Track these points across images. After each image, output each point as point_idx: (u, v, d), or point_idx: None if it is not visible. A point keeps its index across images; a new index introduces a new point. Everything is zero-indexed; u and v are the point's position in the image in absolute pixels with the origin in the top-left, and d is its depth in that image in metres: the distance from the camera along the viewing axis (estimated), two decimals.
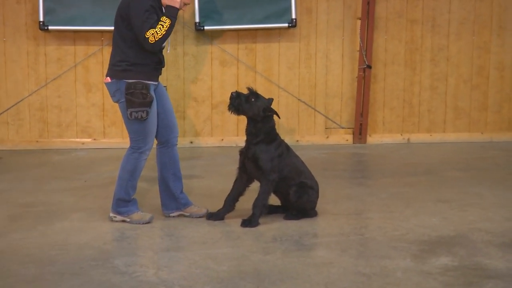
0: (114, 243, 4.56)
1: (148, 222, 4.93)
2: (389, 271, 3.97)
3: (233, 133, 8.40)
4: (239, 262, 4.14)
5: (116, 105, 7.91)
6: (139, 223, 4.91)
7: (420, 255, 4.25)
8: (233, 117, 8.36)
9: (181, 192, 5.09)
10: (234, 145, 8.24)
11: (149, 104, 4.72)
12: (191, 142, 8.38)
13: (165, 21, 4.67)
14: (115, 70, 4.78)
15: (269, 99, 4.98)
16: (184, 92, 8.32)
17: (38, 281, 3.83)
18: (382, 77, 8.57)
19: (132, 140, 4.85)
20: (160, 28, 4.65)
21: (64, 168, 7.12)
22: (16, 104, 8.15)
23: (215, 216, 5.01)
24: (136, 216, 4.93)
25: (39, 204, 5.55)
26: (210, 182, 6.38)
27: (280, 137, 5.03)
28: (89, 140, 8.26)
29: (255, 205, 4.89)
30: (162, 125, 4.94)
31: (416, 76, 8.61)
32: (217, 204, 5.43)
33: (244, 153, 4.97)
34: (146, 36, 4.63)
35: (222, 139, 8.40)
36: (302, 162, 5.13)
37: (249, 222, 4.86)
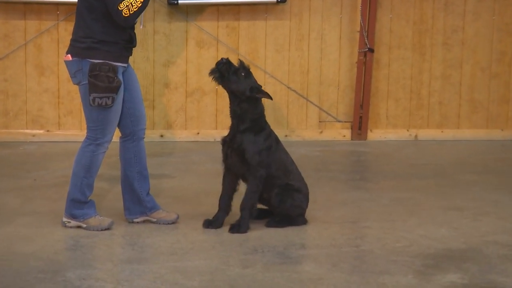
0: (66, 253, 4.55)
1: (107, 229, 4.93)
2: None
3: (211, 125, 8.39)
4: (213, 277, 4.13)
5: (74, 91, 7.97)
6: (97, 230, 4.90)
7: (424, 271, 4.26)
8: (211, 107, 8.38)
9: (148, 194, 5.09)
10: (212, 140, 8.23)
11: (116, 90, 4.72)
12: (162, 136, 8.37)
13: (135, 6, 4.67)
14: (78, 47, 4.76)
15: (258, 84, 5.02)
16: (154, 77, 8.31)
17: None
18: (386, 63, 8.59)
19: (89, 129, 4.84)
20: (134, 2, 4.63)
21: (10, 164, 7.09)
22: None
23: (214, 224, 5.00)
24: (94, 221, 4.93)
25: None
26: (183, 183, 6.38)
27: (269, 126, 5.05)
28: (41, 131, 8.23)
29: (243, 207, 4.91)
30: (127, 114, 4.93)
31: (426, 63, 8.63)
32: (191, 209, 5.44)
33: (228, 142, 4.98)
34: (120, 8, 4.61)
35: (198, 133, 8.40)
36: (292, 161, 5.14)
37: (239, 227, 4.88)
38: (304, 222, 5.12)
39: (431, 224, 5.21)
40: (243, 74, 4.89)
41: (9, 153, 7.61)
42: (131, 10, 4.62)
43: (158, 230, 4.99)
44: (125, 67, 4.86)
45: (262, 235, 4.90)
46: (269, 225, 5.05)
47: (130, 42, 4.83)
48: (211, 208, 5.17)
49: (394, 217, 5.39)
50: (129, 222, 5.11)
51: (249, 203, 4.91)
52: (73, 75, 4.82)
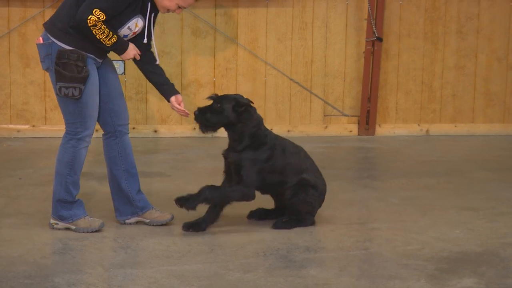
0: (54, 256, 4.55)
1: (97, 230, 4.92)
2: None
3: None
4: (212, 282, 4.12)
5: None
6: (87, 232, 4.90)
7: (438, 275, 4.26)
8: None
9: (138, 192, 5.09)
10: (210, 136, 8.21)
11: (83, 81, 4.70)
12: (155, 131, 8.37)
13: (113, 37, 4.69)
14: (53, 27, 4.76)
15: (235, 95, 5.03)
16: None
17: None
18: (396, 52, 8.58)
19: (67, 123, 4.83)
20: (106, 31, 4.65)
21: None
22: None
23: (195, 227, 4.99)
24: (83, 222, 4.92)
25: None
26: (179, 182, 6.38)
27: (271, 136, 5.04)
28: (26, 127, 8.23)
29: (209, 188, 4.87)
30: (105, 109, 4.94)
31: (438, 52, 8.63)
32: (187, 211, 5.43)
33: (227, 158, 5.04)
34: (91, 13, 4.60)
35: (195, 128, 8.39)
36: (305, 158, 5.16)
37: (185, 200, 4.85)
38: (312, 222, 5.13)
39: (444, 225, 5.21)
40: (218, 105, 4.92)
41: None
42: (96, 26, 4.62)
43: (152, 232, 4.99)
44: (98, 62, 4.85)
45: (264, 237, 4.90)
46: (276, 226, 5.05)
47: (105, 51, 4.86)
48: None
49: (405, 218, 5.39)
50: (121, 224, 5.11)
51: (219, 193, 4.89)
52: (42, 60, 4.83)
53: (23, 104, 8.21)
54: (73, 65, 4.68)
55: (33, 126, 8.24)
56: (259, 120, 5.01)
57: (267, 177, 4.99)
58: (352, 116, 8.61)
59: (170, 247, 4.68)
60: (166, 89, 5.00)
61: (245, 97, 5.04)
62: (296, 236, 4.93)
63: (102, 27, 4.64)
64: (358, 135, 8.58)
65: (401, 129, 8.67)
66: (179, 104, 4.99)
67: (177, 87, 8.31)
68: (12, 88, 8.20)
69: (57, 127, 8.16)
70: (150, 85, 8.33)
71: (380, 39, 8.38)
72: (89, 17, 4.60)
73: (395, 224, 5.24)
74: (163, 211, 5.18)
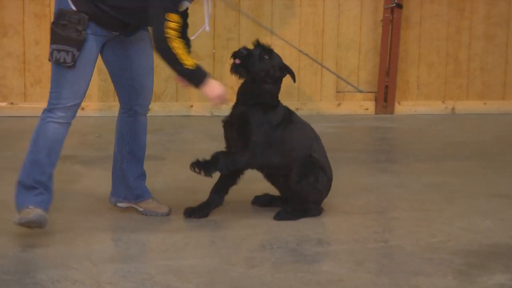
0: (36, 250, 4.54)
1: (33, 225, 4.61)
2: None
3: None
4: (213, 278, 4.13)
5: (43, 55, 7.94)
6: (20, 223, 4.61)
7: (466, 271, 4.26)
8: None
9: (137, 178, 5.09)
10: (208, 114, 8.22)
11: (79, 44, 4.65)
12: (148, 109, 8.34)
13: (190, 62, 4.65)
14: None
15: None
16: None
17: None
18: (417, 21, 8.57)
19: (49, 94, 4.76)
20: (184, 50, 4.63)
21: None
22: None
23: (197, 212, 5.04)
24: (26, 212, 4.61)
25: None
26: (174, 166, 6.40)
27: (282, 105, 5.11)
28: (3, 104, 8.23)
29: (223, 154, 4.95)
30: (125, 85, 4.96)
31: (465, 20, 8.61)
32: (184, 197, 5.44)
33: (230, 118, 5.05)
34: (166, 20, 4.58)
35: (192, 106, 8.40)
36: (315, 135, 5.17)
37: (202, 166, 4.93)
38: (319, 211, 5.13)
39: (472, 215, 5.21)
40: (266, 57, 4.98)
41: None
42: (172, 44, 4.59)
43: (146, 222, 4.99)
44: (106, 36, 4.77)
45: (270, 228, 4.91)
46: (278, 217, 5.05)
47: (126, 26, 4.79)
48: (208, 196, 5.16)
49: (428, 206, 5.39)
50: (112, 204, 5.11)
51: (227, 159, 4.92)
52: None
53: (0, 79, 8.21)
54: (72, 28, 4.64)
55: (11, 103, 8.24)
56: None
57: (273, 149, 4.97)
58: (368, 92, 8.60)
59: (165, 240, 4.69)
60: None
61: None
62: (307, 226, 4.95)
63: (180, 47, 4.64)
64: (375, 113, 8.58)
65: (423, 107, 8.66)
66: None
67: None
68: None
69: (38, 105, 8.13)
70: None
71: (399, 6, 8.37)
72: (166, 31, 4.61)
73: (418, 213, 5.25)
74: (162, 202, 5.17)
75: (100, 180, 5.63)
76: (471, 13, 8.60)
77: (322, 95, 8.57)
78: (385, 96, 8.56)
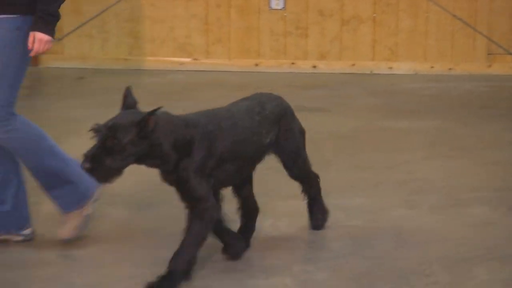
0: None
1: None
2: None
3: (368, 56, 8.50)
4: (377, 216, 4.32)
5: (224, 17, 8.21)
6: None
7: None
8: (367, 37, 8.53)
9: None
10: (369, 72, 8.34)
11: None
12: (314, 67, 8.55)
13: None
14: None
15: (122, 114, 3.63)
16: (308, 3, 8.45)
17: None
18: None
19: None
20: None
21: (158, 93, 7.37)
22: (100, 13, 8.53)
23: (228, 253, 3.96)
24: None
25: None
26: (339, 118, 6.62)
27: (194, 124, 3.71)
28: (188, 60, 8.57)
29: (175, 258, 3.66)
30: None
31: None
32: (347, 146, 5.56)
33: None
34: None
35: (353, 64, 8.51)
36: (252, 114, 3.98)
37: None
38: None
39: None
40: (115, 140, 3.48)
41: (155, 82, 7.98)
42: None
43: None
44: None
45: (423, 175, 5.06)
46: (314, 226, 4.27)
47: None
48: (369, 146, 5.23)
49: None
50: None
51: (187, 253, 3.65)
52: None
53: (186, 37, 8.52)
54: None
55: (195, 59, 8.56)
56: (171, 121, 3.66)
57: (223, 170, 3.78)
58: None
59: None
60: None
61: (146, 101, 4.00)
62: (458, 175, 5.02)
63: None
64: None
65: None
66: None
67: (337, 22, 8.49)
68: (175, 22, 8.51)
69: (218, 61, 8.46)
70: (311, 19, 8.58)
71: None
72: None
73: None
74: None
75: None
76: None
77: (474, 57, 8.51)
78: None
